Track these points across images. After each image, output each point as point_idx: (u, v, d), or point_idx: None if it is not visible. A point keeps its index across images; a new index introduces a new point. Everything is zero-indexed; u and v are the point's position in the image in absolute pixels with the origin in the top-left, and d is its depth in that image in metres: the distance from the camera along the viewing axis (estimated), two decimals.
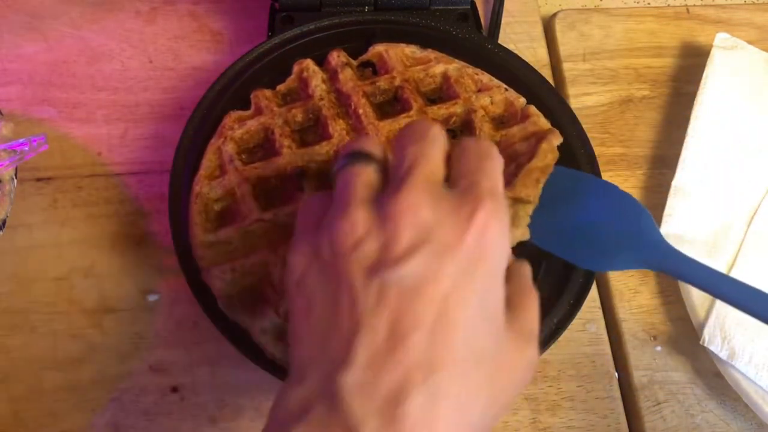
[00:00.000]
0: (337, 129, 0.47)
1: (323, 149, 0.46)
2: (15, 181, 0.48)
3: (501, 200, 0.31)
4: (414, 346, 0.28)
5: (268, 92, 0.49)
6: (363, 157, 0.33)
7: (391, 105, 0.50)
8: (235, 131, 0.47)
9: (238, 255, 0.43)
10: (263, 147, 0.48)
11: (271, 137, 0.47)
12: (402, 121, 0.48)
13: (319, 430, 0.27)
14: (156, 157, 0.53)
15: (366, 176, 0.32)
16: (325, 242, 0.31)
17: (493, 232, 0.30)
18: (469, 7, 0.55)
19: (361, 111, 0.47)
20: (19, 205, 0.49)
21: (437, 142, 0.33)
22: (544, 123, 0.49)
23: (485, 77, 0.51)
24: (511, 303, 0.31)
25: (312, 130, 0.48)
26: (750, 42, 0.57)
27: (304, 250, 0.32)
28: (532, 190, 0.41)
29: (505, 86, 0.50)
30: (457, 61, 0.51)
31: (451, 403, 0.28)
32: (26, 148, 0.48)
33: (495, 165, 0.33)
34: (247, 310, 0.43)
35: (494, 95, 0.50)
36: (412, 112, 0.48)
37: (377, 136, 0.46)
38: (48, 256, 0.50)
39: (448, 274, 0.29)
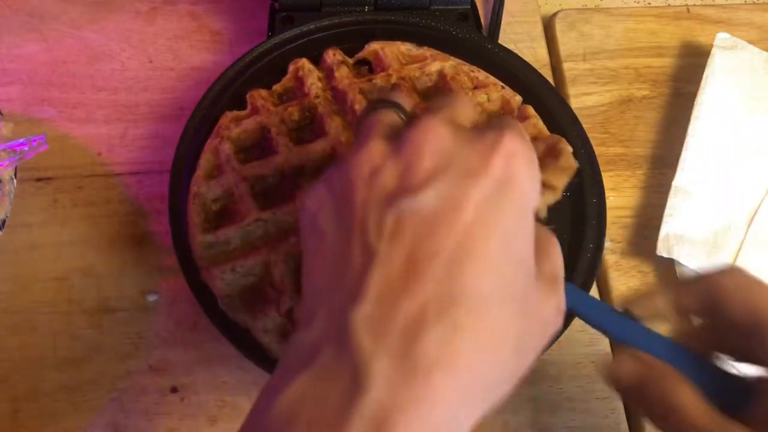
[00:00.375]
0: (333, 126, 0.47)
1: (320, 146, 0.46)
2: (15, 181, 0.48)
3: (527, 138, 0.29)
4: (432, 277, 0.25)
5: (263, 92, 0.49)
6: (389, 104, 0.31)
7: None
8: (231, 131, 0.47)
9: (238, 255, 0.43)
10: (260, 146, 0.48)
11: (267, 136, 0.47)
12: None
13: (325, 373, 0.24)
14: (156, 157, 0.53)
15: (389, 118, 0.30)
16: (339, 176, 0.28)
17: (522, 159, 0.28)
18: (469, 7, 0.55)
19: (357, 107, 0.47)
20: (19, 205, 0.49)
21: (466, 102, 0.32)
22: (542, 126, 0.49)
23: (481, 75, 0.51)
24: (535, 246, 0.29)
25: (309, 129, 0.49)
26: (750, 42, 0.57)
27: (318, 192, 0.29)
28: (559, 180, 0.41)
29: (501, 84, 0.50)
30: (452, 58, 0.51)
31: (472, 340, 0.25)
32: (26, 148, 0.48)
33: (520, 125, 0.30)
34: (248, 309, 0.43)
35: (491, 92, 0.50)
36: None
37: None
38: (48, 256, 0.50)
39: (472, 201, 0.26)
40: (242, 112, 0.49)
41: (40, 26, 0.59)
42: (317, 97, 0.48)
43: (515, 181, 0.27)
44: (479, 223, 0.26)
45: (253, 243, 0.44)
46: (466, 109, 0.31)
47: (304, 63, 0.50)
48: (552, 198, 0.40)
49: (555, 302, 0.29)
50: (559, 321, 0.30)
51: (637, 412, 0.37)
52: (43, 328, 0.47)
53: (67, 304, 0.48)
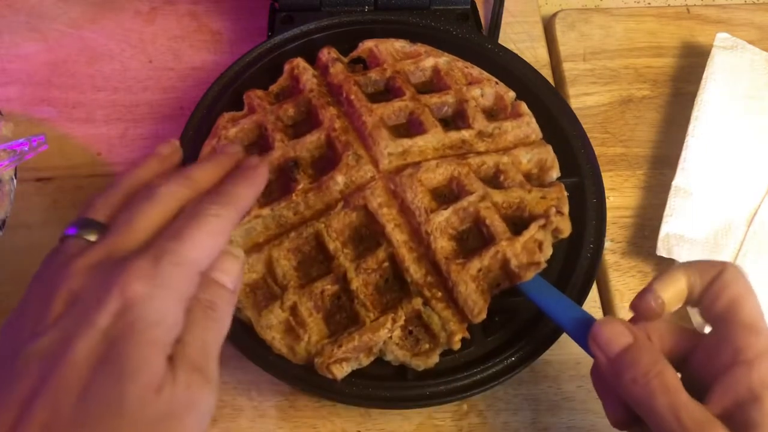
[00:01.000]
0: (327, 116, 0.47)
1: (314, 137, 0.46)
2: (15, 181, 0.48)
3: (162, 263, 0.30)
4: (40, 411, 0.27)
5: (260, 92, 0.50)
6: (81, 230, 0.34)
7: (382, 95, 0.50)
8: (229, 130, 0.47)
9: None
10: (258, 145, 0.48)
11: (264, 134, 0.48)
12: (396, 105, 0.48)
13: None
14: None
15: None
16: None
17: (141, 301, 0.29)
18: (469, 7, 0.55)
19: (353, 96, 0.47)
20: (19, 205, 0.49)
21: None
22: (535, 125, 0.49)
23: (475, 70, 0.51)
24: None
25: (305, 123, 0.49)
26: (750, 42, 0.57)
27: None
28: (566, 225, 0.45)
29: (495, 79, 0.50)
30: (446, 54, 0.51)
31: None
32: (26, 148, 0.48)
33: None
34: (251, 307, 0.43)
35: (484, 87, 0.50)
36: (405, 98, 0.48)
37: (371, 117, 0.46)
38: None
39: (81, 343, 0.28)
40: (239, 113, 0.49)
41: (40, 26, 0.59)
42: (311, 91, 0.48)
43: (129, 324, 0.28)
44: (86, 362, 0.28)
45: (254, 240, 0.44)
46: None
47: (299, 62, 0.50)
48: (556, 238, 0.46)
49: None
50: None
51: (602, 391, 0.37)
52: None
53: None
